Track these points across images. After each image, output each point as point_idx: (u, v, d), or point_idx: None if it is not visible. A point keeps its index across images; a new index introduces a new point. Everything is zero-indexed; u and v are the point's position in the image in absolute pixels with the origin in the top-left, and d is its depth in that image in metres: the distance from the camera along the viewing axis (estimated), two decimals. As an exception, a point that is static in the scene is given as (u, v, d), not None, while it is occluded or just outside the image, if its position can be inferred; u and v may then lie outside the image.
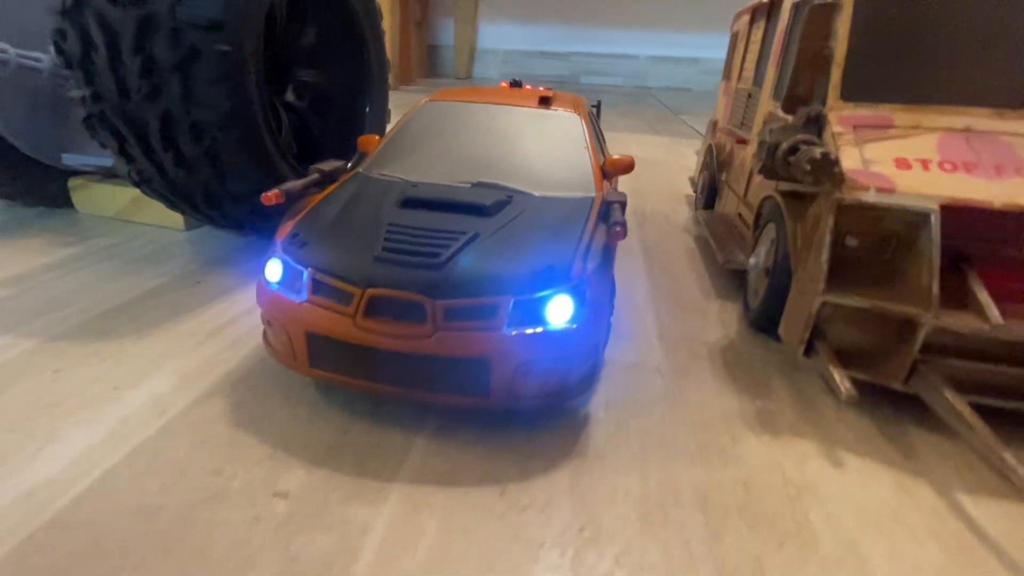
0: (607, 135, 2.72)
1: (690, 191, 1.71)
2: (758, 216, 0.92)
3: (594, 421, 0.64)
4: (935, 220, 0.61)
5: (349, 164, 0.86)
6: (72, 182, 1.23)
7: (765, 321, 0.82)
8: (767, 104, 0.98)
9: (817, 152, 0.65)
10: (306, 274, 0.58)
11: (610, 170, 0.82)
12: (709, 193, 1.36)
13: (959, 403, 0.57)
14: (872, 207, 0.63)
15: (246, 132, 0.86)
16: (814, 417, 0.67)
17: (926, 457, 0.61)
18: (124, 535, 0.47)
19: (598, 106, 1.33)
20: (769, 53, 1.04)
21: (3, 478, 0.52)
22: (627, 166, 0.82)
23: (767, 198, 0.86)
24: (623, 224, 0.62)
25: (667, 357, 0.78)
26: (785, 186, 0.80)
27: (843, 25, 0.72)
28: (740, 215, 1.09)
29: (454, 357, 0.54)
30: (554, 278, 0.56)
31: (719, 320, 0.90)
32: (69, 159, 1.18)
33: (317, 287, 0.58)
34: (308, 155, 1.19)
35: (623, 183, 1.80)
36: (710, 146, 1.40)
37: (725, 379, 0.74)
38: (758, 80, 1.11)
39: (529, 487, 0.54)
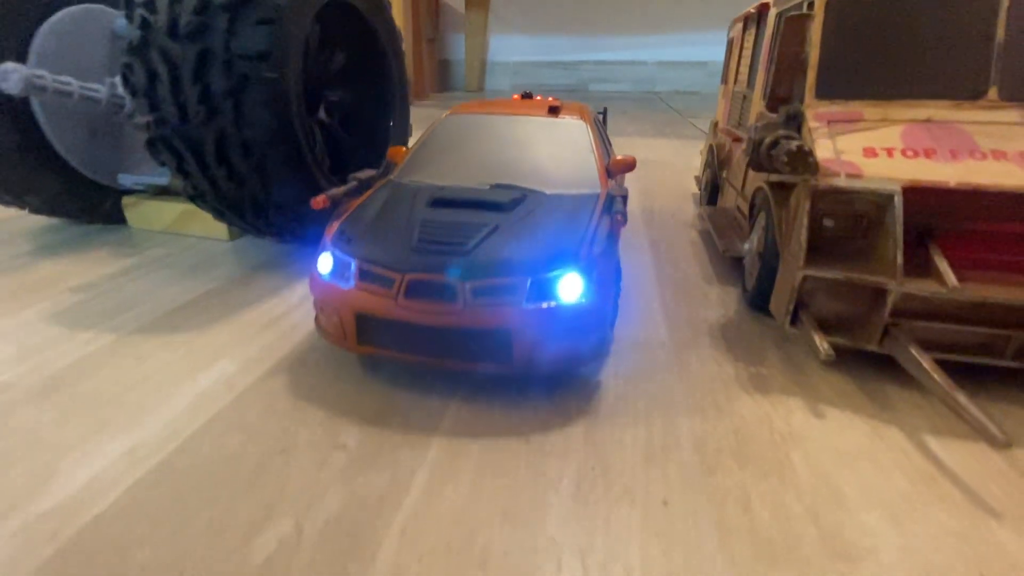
0: (616, 140, 2.82)
1: (696, 189, 1.80)
2: (752, 206, 1.01)
3: (605, 386, 0.74)
4: (898, 200, 0.70)
5: (380, 171, 0.97)
6: (125, 200, 1.37)
7: (760, 300, 0.90)
8: (758, 104, 1.07)
9: (793, 145, 0.74)
10: (353, 264, 0.69)
11: (613, 169, 0.92)
12: (711, 190, 1.45)
13: (923, 357, 0.66)
14: (843, 191, 0.72)
15: (289, 148, 0.97)
16: (802, 379, 0.76)
17: (900, 408, 0.70)
18: (216, 477, 0.57)
19: (604, 113, 1.43)
20: (759, 57, 1.14)
21: (107, 440, 0.63)
22: (628, 165, 0.92)
23: (758, 189, 0.95)
24: (623, 213, 0.72)
25: (671, 334, 0.88)
26: (774, 177, 0.90)
27: (816, 32, 0.82)
28: (739, 207, 1.18)
29: (481, 329, 0.64)
30: (565, 259, 0.66)
31: (720, 302, 0.99)
32: (124, 179, 1.31)
33: (363, 275, 0.68)
34: (339, 167, 1.31)
35: (633, 185, 1.89)
36: (711, 146, 1.49)
37: (723, 350, 0.83)
38: (751, 83, 1.20)
39: (549, 437, 0.64)
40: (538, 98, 1.18)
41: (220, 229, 1.31)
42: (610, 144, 1.27)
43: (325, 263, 0.72)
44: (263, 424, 0.66)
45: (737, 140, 1.23)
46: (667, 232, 1.39)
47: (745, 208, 1.09)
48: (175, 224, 1.35)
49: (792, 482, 0.58)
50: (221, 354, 0.81)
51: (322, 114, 1.30)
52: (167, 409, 0.68)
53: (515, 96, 1.21)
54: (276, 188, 1.01)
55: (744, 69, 1.28)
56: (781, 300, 0.79)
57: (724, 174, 1.35)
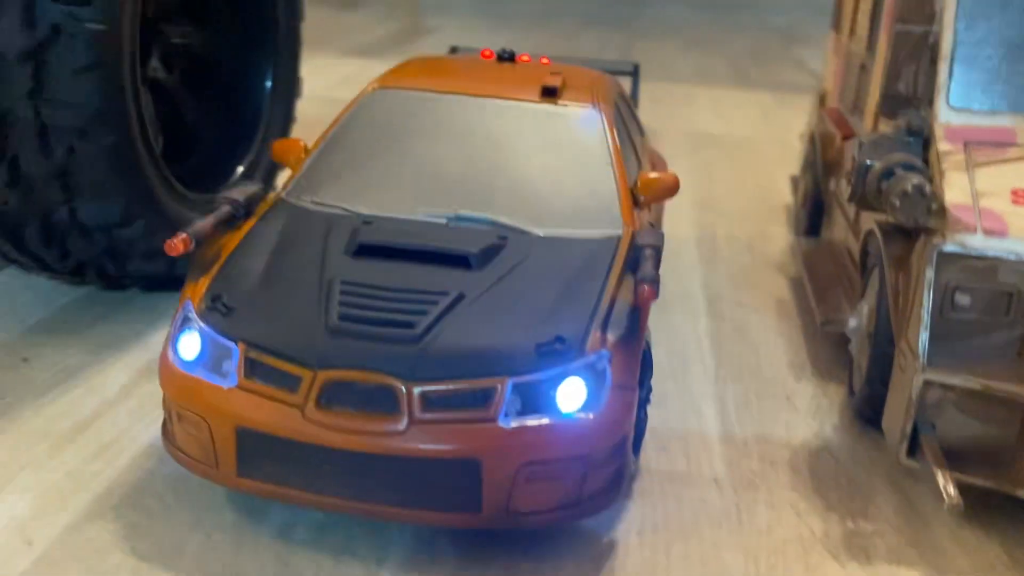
0: (657, 92, 3.07)
1: (793, 199, 2.04)
2: (864, 255, 1.23)
3: (622, 549, 0.93)
4: (1052, 274, 0.92)
5: (263, 186, 1.16)
6: None
7: (872, 410, 1.12)
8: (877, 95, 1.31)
9: (909, 183, 0.96)
10: (236, 351, 0.87)
11: (644, 195, 1.13)
12: (813, 207, 1.68)
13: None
14: (979, 256, 0.94)
15: (116, 139, 1.16)
16: (924, 540, 0.97)
17: (1064, 590, 0.91)
18: None
19: (635, 75, 1.66)
20: (882, 13, 1.37)
21: None
22: (668, 187, 1.14)
23: (870, 233, 1.17)
24: (653, 281, 0.92)
25: (730, 464, 1.09)
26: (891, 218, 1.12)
27: (948, 1, 1.05)
28: (849, 249, 1.41)
29: (434, 458, 0.83)
30: (564, 353, 0.85)
31: (812, 410, 1.21)
32: None
33: (252, 368, 0.86)
34: (176, 152, 1.50)
35: (684, 185, 2.11)
36: (813, 135, 1.73)
37: (809, 493, 1.04)
38: (872, 45, 1.44)
39: (533, 626, 0.82)
40: (523, 59, 1.39)
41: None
42: (642, 132, 1.49)
43: (189, 345, 0.90)
44: (90, 600, 0.83)
45: (850, 136, 1.46)
46: (738, 279, 1.62)
47: (857, 253, 1.32)
48: None
49: None
50: (4, 481, 0.98)
51: (156, 65, 1.49)
52: (-67, 575, 0.85)
53: (484, 52, 1.41)
54: (87, 201, 1.19)
55: (864, 19, 1.52)
56: (895, 416, 1.00)
57: (832, 186, 1.58)
